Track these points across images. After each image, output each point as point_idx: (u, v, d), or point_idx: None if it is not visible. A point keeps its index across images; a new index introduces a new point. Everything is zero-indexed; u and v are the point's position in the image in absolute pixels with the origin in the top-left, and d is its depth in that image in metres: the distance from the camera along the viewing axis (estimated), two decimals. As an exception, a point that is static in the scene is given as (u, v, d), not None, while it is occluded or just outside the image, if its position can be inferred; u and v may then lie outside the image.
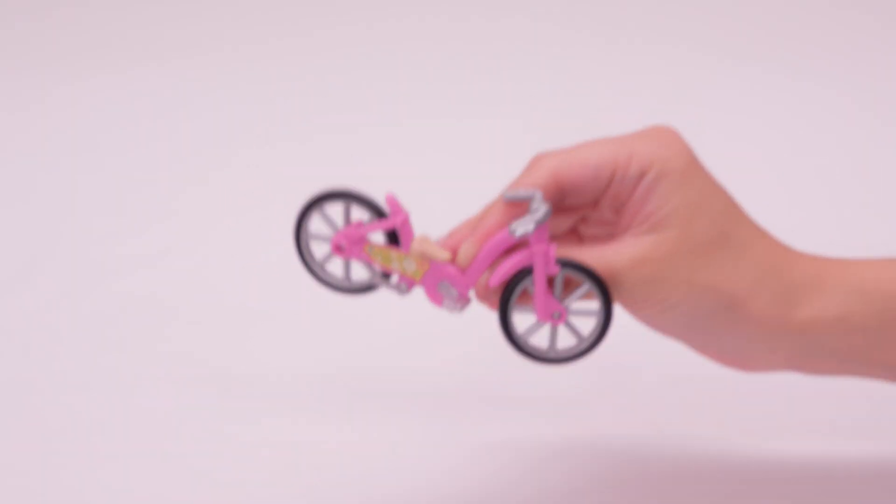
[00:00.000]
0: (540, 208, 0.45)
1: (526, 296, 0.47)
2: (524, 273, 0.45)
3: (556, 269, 0.45)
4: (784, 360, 0.49)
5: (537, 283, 0.45)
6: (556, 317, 0.46)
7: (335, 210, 0.49)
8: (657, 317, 0.47)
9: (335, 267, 0.49)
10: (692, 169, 0.47)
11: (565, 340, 0.48)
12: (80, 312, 0.70)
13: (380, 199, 0.48)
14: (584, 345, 0.47)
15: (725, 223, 0.47)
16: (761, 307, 0.47)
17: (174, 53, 1.19)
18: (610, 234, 0.48)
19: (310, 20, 1.13)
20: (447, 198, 0.85)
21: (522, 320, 0.47)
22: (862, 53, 1.05)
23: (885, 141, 0.92)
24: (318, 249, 0.49)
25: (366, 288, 0.49)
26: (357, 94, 1.07)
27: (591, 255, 0.46)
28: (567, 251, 0.46)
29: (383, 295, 0.62)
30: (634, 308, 0.47)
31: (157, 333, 0.67)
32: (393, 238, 0.48)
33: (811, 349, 0.49)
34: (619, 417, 0.58)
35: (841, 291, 0.48)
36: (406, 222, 0.48)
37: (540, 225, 0.45)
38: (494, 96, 1.03)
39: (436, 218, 0.81)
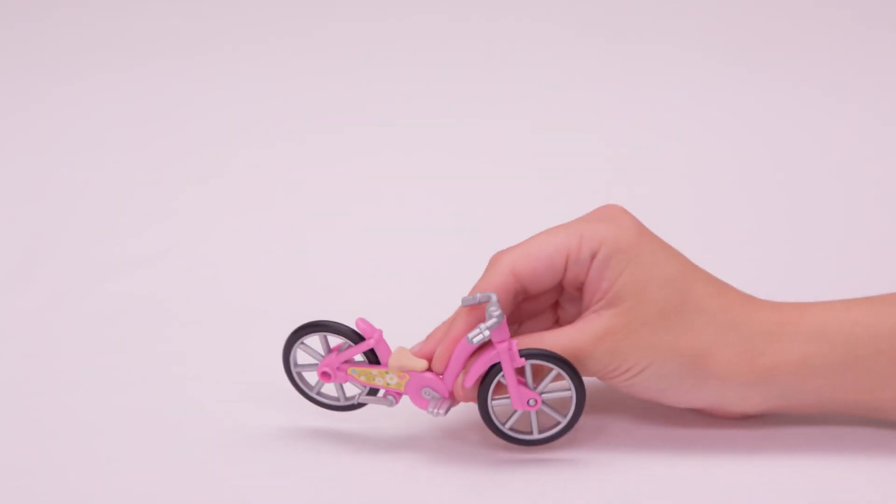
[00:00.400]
0: (493, 314, 0.49)
1: (502, 386, 0.51)
2: (495, 369, 0.50)
3: (521, 361, 0.49)
4: (759, 404, 0.52)
5: (507, 376, 0.50)
6: (532, 404, 0.51)
7: (314, 340, 0.54)
8: (629, 382, 0.50)
9: (328, 388, 0.55)
10: (640, 242, 0.50)
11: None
12: (79, 312, 0.69)
13: (350, 324, 0.53)
14: (564, 423, 0.51)
15: (678, 287, 0.50)
16: (724, 361, 0.50)
17: (174, 53, 1.19)
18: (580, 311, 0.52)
19: (310, 20, 1.13)
20: (447, 198, 0.85)
21: (505, 408, 0.52)
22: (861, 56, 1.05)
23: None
24: (311, 376, 0.55)
25: (360, 404, 0.54)
26: (357, 94, 1.07)
27: (556, 338, 0.50)
28: (534, 338, 0.50)
29: (382, 295, 0.62)
30: (607, 378, 0.51)
31: (157, 333, 0.67)
32: (372, 355, 0.53)
33: (780, 393, 0.51)
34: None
35: (800, 337, 0.50)
36: (380, 340, 0.52)
37: (494, 330, 0.49)
38: (496, 96, 1.03)
39: (434, 217, 0.82)
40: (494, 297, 0.49)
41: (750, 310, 0.51)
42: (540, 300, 0.53)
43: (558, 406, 0.52)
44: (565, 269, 0.51)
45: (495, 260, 0.52)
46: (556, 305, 0.54)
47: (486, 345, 0.50)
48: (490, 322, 0.49)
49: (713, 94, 1.02)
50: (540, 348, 0.49)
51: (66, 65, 1.16)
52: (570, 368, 0.49)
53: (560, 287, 0.52)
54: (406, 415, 0.55)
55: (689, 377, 0.50)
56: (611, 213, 0.52)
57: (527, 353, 0.49)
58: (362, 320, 0.53)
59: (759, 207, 0.84)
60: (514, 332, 0.54)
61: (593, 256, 0.50)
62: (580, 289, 0.51)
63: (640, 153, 0.92)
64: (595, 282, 0.50)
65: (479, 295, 0.49)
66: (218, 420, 0.57)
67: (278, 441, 0.55)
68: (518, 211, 0.81)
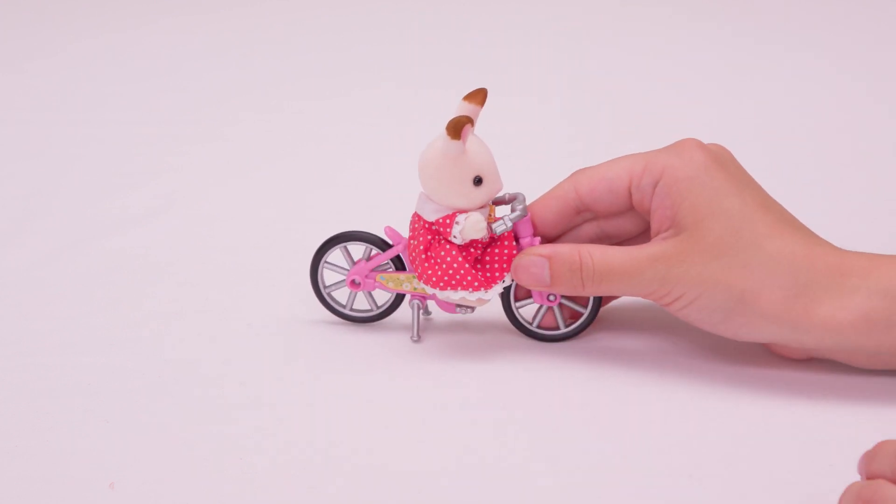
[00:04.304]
0: (517, 207, 0.54)
1: (525, 291, 0.56)
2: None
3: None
4: (814, 351, 0.52)
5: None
6: (552, 299, 0.56)
7: (336, 255, 0.57)
8: (681, 311, 0.52)
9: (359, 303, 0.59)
10: (703, 173, 0.51)
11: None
12: (74, 269, 0.69)
13: (378, 232, 0.56)
14: (587, 313, 0.56)
15: (737, 222, 0.50)
16: (775, 303, 0.49)
17: (172, 12, 1.18)
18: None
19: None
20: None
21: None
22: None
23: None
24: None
25: (389, 310, 0.58)
26: (360, 58, 1.06)
27: (614, 252, 0.52)
28: (595, 248, 0.53)
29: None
30: (659, 302, 0.52)
31: (150, 291, 0.66)
32: (399, 262, 0.56)
33: (836, 344, 0.50)
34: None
35: (864, 291, 0.49)
36: (408, 247, 0.55)
37: (516, 222, 0.53)
38: (505, 73, 1.02)
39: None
40: (522, 195, 0.54)
41: (814, 255, 0.50)
42: (621, 224, 0.56)
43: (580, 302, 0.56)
44: (630, 195, 0.53)
45: (570, 175, 0.55)
46: (648, 235, 0.55)
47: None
48: (514, 214, 0.53)
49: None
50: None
51: (64, 23, 1.16)
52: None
53: (639, 214, 0.54)
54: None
55: (738, 313, 0.50)
56: (682, 146, 0.52)
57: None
58: (390, 228, 0.56)
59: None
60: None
61: (655, 184, 0.52)
62: (647, 219, 0.53)
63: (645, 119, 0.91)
64: (658, 209, 0.52)
65: (508, 193, 0.54)
66: (211, 381, 0.56)
67: (267, 398, 0.54)
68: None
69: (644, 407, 0.53)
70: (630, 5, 1.17)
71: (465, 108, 0.52)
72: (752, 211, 0.51)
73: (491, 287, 0.54)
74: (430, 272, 0.53)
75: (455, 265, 0.53)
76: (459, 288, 0.53)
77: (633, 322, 0.60)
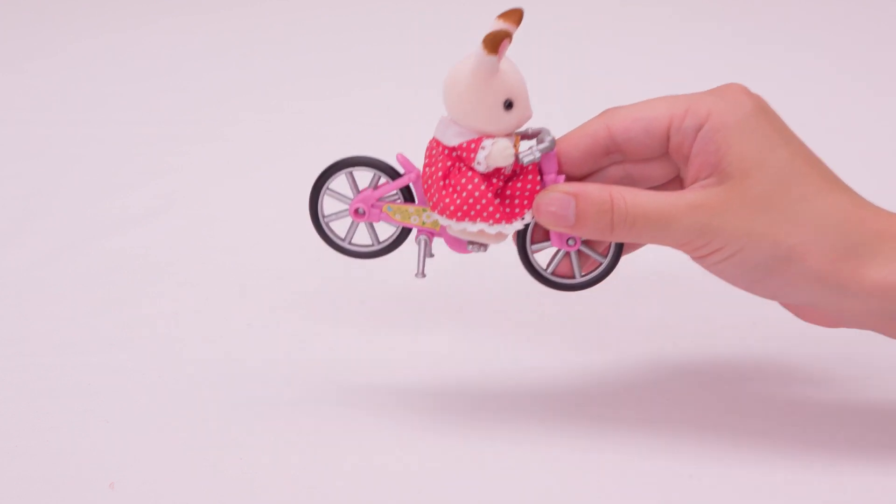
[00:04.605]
0: (545, 139, 0.48)
1: (543, 233, 0.51)
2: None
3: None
4: (860, 319, 0.48)
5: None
6: (571, 243, 0.51)
7: (339, 183, 0.51)
8: (718, 267, 0.48)
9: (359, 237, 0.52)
10: (752, 120, 0.47)
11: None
12: (74, 269, 0.69)
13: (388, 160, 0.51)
14: (606, 263, 0.51)
15: (786, 174, 0.47)
16: (820, 260, 0.46)
17: (172, 12, 1.18)
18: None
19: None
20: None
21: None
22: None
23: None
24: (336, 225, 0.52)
25: (392, 245, 0.52)
26: (360, 58, 1.05)
27: (650, 197, 0.47)
28: (628, 192, 0.48)
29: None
30: (696, 256, 0.48)
31: (150, 292, 0.66)
32: (408, 193, 0.51)
33: (881, 310, 0.47)
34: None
35: None
36: (420, 178, 0.50)
37: (545, 153, 0.48)
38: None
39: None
40: (548, 129, 0.49)
41: (863, 215, 0.47)
42: (650, 170, 0.51)
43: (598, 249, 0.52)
44: (668, 138, 0.49)
45: (602, 112, 0.50)
46: (679, 183, 0.51)
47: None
48: (542, 145, 0.48)
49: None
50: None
51: (65, 23, 1.16)
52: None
53: (672, 160, 0.50)
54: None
55: (781, 271, 0.47)
56: (728, 90, 0.48)
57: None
58: (402, 156, 0.51)
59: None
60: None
61: (699, 128, 0.47)
62: (686, 165, 0.49)
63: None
64: (699, 155, 0.48)
65: (531, 128, 0.50)
66: (211, 380, 0.56)
67: (271, 402, 0.54)
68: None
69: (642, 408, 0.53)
70: (630, 5, 1.17)
71: (500, 27, 0.47)
72: (801, 164, 0.47)
73: (512, 222, 0.49)
74: (447, 200, 0.48)
75: (477, 193, 0.48)
76: (479, 219, 0.48)
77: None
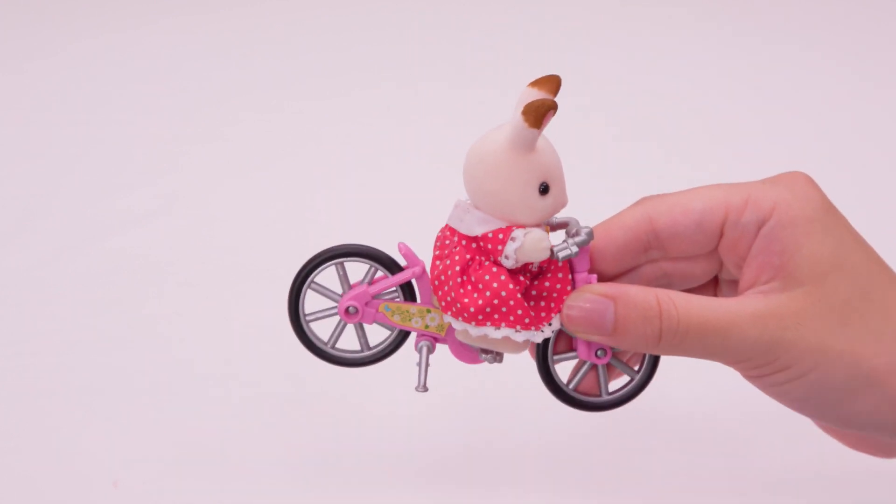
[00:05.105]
0: (582, 232, 0.41)
1: (567, 342, 0.43)
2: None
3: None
4: None
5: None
6: (601, 355, 0.42)
7: (325, 276, 0.43)
8: (782, 388, 0.40)
9: (345, 341, 0.44)
10: (826, 216, 0.40)
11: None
12: (74, 270, 0.69)
13: (379, 250, 0.43)
14: (637, 379, 0.44)
15: (867, 282, 0.40)
16: None
17: (172, 12, 1.18)
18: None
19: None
20: (452, 160, 0.84)
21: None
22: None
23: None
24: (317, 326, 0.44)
25: (386, 354, 0.44)
26: (360, 58, 1.05)
27: (706, 304, 0.40)
28: (679, 296, 0.40)
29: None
30: (752, 373, 0.40)
31: (150, 292, 0.66)
32: (408, 290, 0.43)
33: None
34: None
35: None
36: (424, 273, 0.42)
37: (582, 247, 0.40)
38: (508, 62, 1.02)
39: (440, 178, 0.80)
40: (576, 220, 0.41)
41: None
42: (690, 269, 0.43)
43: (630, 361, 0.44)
44: (721, 234, 0.41)
45: (639, 201, 0.43)
46: (716, 284, 0.44)
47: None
48: (579, 238, 0.40)
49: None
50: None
51: (65, 23, 1.15)
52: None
53: (717, 258, 0.42)
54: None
55: (862, 395, 0.39)
56: (792, 179, 0.41)
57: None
58: (405, 245, 0.42)
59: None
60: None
61: (761, 224, 0.40)
62: (739, 265, 0.41)
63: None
64: (762, 255, 0.40)
65: (563, 217, 0.41)
66: (211, 380, 0.56)
67: (271, 402, 0.54)
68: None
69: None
70: (630, 5, 1.17)
71: (534, 96, 0.40)
72: (879, 268, 0.40)
73: (541, 328, 0.41)
74: (466, 300, 0.40)
75: (504, 293, 0.40)
76: (504, 323, 0.40)
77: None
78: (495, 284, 0.40)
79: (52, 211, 0.77)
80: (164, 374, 0.57)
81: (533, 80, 0.40)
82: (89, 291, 0.66)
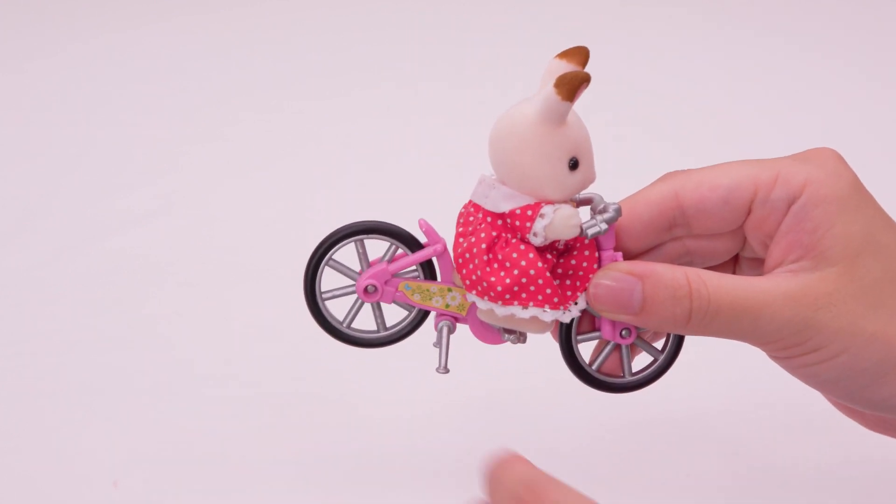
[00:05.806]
0: (609, 208, 0.40)
1: (589, 322, 0.42)
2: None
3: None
4: None
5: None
6: (625, 335, 0.41)
7: (343, 253, 0.42)
8: (812, 369, 0.39)
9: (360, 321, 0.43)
10: (857, 195, 0.39)
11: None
12: (74, 270, 0.69)
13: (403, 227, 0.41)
14: (661, 360, 0.43)
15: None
16: None
17: (172, 12, 1.18)
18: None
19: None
20: (452, 160, 0.84)
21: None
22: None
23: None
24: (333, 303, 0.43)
25: (403, 335, 0.43)
26: (360, 58, 1.05)
27: (736, 283, 0.39)
28: (709, 275, 0.39)
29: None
30: (781, 354, 0.40)
31: (150, 293, 0.66)
32: (429, 268, 0.42)
33: None
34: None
35: None
36: (446, 250, 0.41)
37: (611, 223, 0.40)
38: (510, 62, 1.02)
39: (440, 179, 0.80)
40: (601, 196, 0.40)
41: None
42: (714, 246, 0.42)
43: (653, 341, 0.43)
44: (749, 211, 0.40)
45: (664, 177, 0.42)
46: (736, 262, 0.44)
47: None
48: (608, 215, 0.39)
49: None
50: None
51: (65, 23, 1.15)
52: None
53: (740, 236, 0.41)
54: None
55: (887, 378, 0.38)
56: (822, 156, 0.40)
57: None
58: (426, 222, 0.41)
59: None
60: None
61: (791, 200, 0.39)
62: (766, 243, 0.40)
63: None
64: (791, 233, 0.39)
65: (588, 193, 0.40)
66: (211, 380, 0.56)
67: (271, 402, 0.54)
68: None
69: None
70: (630, 5, 1.17)
71: (563, 69, 0.39)
72: None
73: (568, 307, 0.40)
74: (492, 279, 0.39)
75: (532, 271, 0.38)
76: (532, 303, 0.39)
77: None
78: (523, 262, 0.38)
79: (52, 211, 0.77)
80: (164, 374, 0.57)
81: (560, 51, 0.39)
82: (89, 291, 0.66)
